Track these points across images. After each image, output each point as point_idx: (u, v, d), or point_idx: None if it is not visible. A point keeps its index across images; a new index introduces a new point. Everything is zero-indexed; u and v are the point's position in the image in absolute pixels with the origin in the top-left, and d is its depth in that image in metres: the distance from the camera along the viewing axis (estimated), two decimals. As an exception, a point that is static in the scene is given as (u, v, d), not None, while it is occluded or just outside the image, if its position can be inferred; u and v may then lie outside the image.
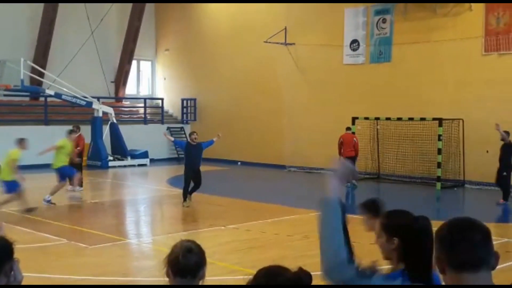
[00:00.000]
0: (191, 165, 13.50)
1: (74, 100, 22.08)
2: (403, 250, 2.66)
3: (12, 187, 11.90)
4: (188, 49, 26.72)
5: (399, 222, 2.77)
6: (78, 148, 15.54)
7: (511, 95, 16.64)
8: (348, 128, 17.96)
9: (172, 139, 15.61)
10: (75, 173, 14.39)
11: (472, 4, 17.58)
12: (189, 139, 14.27)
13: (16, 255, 2.30)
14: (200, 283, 2.86)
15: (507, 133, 14.34)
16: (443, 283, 2.21)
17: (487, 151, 16.98)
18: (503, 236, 10.07)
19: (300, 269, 2.08)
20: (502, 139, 14.31)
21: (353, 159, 16.36)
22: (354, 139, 17.49)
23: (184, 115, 27.04)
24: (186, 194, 13.54)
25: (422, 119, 17.54)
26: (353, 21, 20.58)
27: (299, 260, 8.84)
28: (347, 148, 17.02)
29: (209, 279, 8.40)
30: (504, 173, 14.20)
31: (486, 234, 2.01)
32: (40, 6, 23.79)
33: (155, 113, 27.34)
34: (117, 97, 27.17)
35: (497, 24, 17.06)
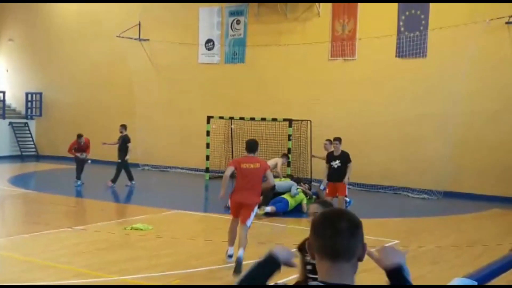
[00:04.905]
0: None
1: None
2: None
3: None
4: (34, 40, 25.05)
5: None
6: None
7: (353, 98, 17.81)
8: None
9: None
10: None
11: (320, 10, 18.50)
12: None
13: None
14: None
15: (124, 126, 16.87)
16: None
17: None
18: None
19: None
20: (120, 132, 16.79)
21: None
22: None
23: (29, 110, 25.34)
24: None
25: (274, 119, 18.11)
26: (208, 20, 20.69)
27: (152, 259, 8.65)
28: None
29: (52, 283, 7.85)
30: (119, 160, 16.59)
31: (354, 225, 2.00)
32: None
33: (-5, 107, 25.30)
34: (-50, 89, 24.75)
35: (343, 31, 18.15)
